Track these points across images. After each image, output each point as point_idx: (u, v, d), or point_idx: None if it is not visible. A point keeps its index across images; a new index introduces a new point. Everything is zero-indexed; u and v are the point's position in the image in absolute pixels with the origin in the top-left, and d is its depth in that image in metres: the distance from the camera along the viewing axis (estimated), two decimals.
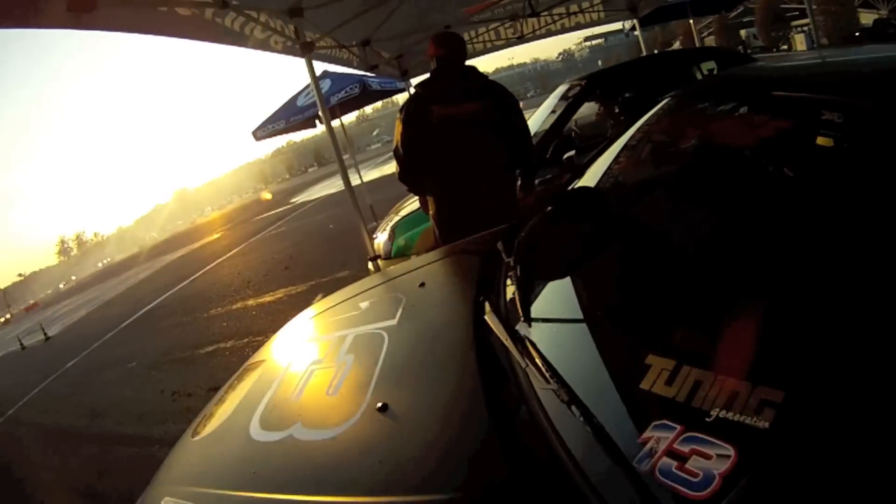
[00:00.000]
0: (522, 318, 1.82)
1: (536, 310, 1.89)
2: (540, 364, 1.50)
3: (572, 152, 4.05)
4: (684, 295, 1.54)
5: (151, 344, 10.19)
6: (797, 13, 62.27)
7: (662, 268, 1.75)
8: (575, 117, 6.14)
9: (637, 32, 10.52)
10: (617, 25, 14.27)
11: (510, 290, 2.08)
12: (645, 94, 6.09)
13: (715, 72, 6.23)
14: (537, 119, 6.50)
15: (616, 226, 2.26)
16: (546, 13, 8.50)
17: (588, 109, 6.38)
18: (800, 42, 56.17)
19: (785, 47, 56.91)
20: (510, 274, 2.18)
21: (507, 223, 3.37)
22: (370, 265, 5.49)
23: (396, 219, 5.77)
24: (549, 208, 2.67)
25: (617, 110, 6.27)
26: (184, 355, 8.33)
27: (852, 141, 1.54)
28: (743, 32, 62.39)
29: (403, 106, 4.28)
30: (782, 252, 1.47)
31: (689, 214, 2.06)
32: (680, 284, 1.59)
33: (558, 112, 6.02)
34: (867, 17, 53.13)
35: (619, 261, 2.03)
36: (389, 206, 7.88)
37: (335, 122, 12.06)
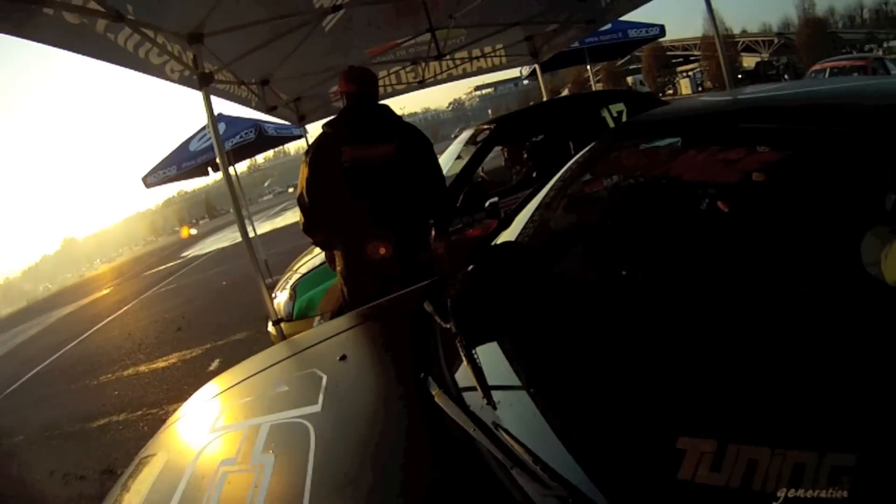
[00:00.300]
0: (486, 402, 1.50)
1: (500, 389, 1.59)
2: (529, 461, 1.24)
3: (495, 199, 3.71)
4: (690, 355, 1.42)
5: (39, 415, 9.27)
6: (682, 59, 66.10)
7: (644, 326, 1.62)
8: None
9: (538, 76, 10.59)
10: (510, 73, 14.34)
11: (461, 367, 1.73)
12: (556, 138, 5.97)
13: (624, 114, 6.17)
14: (443, 165, 6.13)
15: (553, 282, 2.19)
16: (449, 57, 8.27)
17: (494, 154, 6.08)
18: (685, 86, 59.66)
19: (671, 91, 60.09)
20: (454, 343, 1.84)
21: (424, 278, 3.14)
22: (271, 329, 4.96)
23: (297, 276, 5.35)
24: (474, 264, 2.56)
25: (526, 155, 6.14)
26: (74, 429, 7.61)
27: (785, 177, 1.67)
28: (630, 79, 65.79)
29: (310, 147, 3.93)
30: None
31: (637, 260, 2.03)
32: (677, 342, 1.49)
33: (465, 158, 5.80)
34: (749, 61, 56.96)
35: (591, 317, 1.83)
36: (284, 260, 7.55)
37: (210, 182, 11.65)
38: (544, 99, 10.53)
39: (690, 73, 64.33)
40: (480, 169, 6.07)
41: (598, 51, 12.61)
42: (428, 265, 3.93)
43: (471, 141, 6.26)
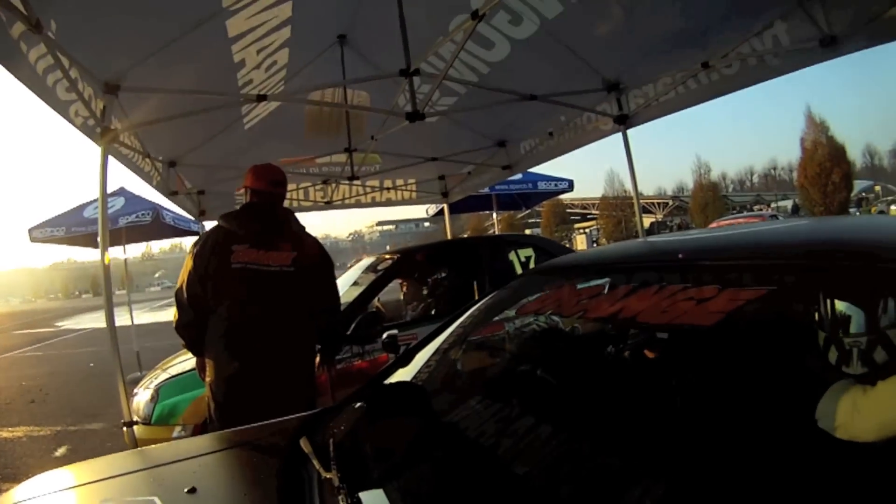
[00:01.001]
0: None
1: None
2: None
3: (395, 331, 3.45)
4: None
5: None
6: (580, 217, 69.26)
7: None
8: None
9: (446, 216, 10.66)
10: (412, 213, 14.46)
11: None
12: (460, 277, 5.87)
13: (532, 260, 6.16)
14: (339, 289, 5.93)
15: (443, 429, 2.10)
16: (360, 184, 8.24)
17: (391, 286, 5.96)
18: (581, 242, 62.05)
19: (567, 245, 62.40)
20: (334, 498, 1.60)
21: (302, 406, 3.01)
22: (125, 431, 4.40)
23: (164, 377, 4.84)
24: (366, 402, 2.28)
25: (427, 291, 6.01)
26: None
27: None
28: (527, 232, 67.87)
29: (199, 238, 3.67)
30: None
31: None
32: None
33: (362, 285, 5.60)
34: (645, 221, 60.01)
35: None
36: (158, 356, 6.84)
37: (117, 251, 10.93)
38: (447, 238, 10.61)
39: (587, 230, 67.22)
40: (377, 299, 5.93)
41: (506, 199, 12.84)
42: (309, 391, 3.68)
43: (370, 269, 6.15)
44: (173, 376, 4.76)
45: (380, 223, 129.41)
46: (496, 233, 17.38)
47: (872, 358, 1.35)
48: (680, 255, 2.05)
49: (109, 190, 4.61)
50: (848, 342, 1.38)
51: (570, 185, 13.09)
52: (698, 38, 4.79)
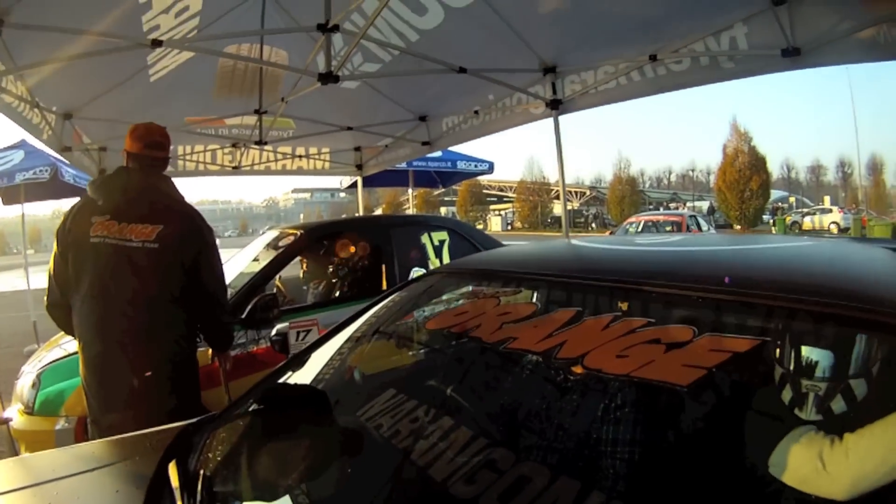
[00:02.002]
0: None
1: None
2: None
3: (285, 325, 3.15)
4: None
5: None
6: (496, 198, 69.69)
7: None
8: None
9: (358, 190, 10.36)
10: (328, 182, 14.04)
11: None
12: (368, 258, 5.59)
13: (446, 245, 5.92)
14: (235, 265, 5.58)
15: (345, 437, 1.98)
16: (271, 149, 7.84)
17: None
18: (495, 223, 62.56)
19: (481, 226, 62.84)
20: None
21: (177, 400, 3.03)
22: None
23: (48, 359, 4.32)
24: (251, 413, 2.14)
25: (331, 271, 5.65)
26: None
27: None
28: (443, 209, 68.13)
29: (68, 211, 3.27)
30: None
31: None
32: None
33: (262, 262, 5.24)
34: (560, 208, 61.15)
35: None
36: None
37: (15, 209, 10.15)
38: (359, 211, 10.31)
39: (502, 213, 67.75)
40: (277, 278, 5.61)
41: (423, 176, 12.57)
42: (186, 383, 3.27)
43: (272, 244, 5.68)
44: (57, 359, 4.27)
45: (295, 190, 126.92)
46: (411, 209, 17.10)
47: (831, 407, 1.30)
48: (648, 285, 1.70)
49: (9, 142, 4.13)
50: (806, 386, 1.33)
51: (491, 168, 12.96)
52: (648, 29, 4.68)
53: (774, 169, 46.76)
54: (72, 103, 5.91)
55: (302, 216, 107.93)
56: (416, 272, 5.48)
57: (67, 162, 8.65)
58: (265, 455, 1.85)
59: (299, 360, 2.55)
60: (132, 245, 3.06)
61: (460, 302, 2.37)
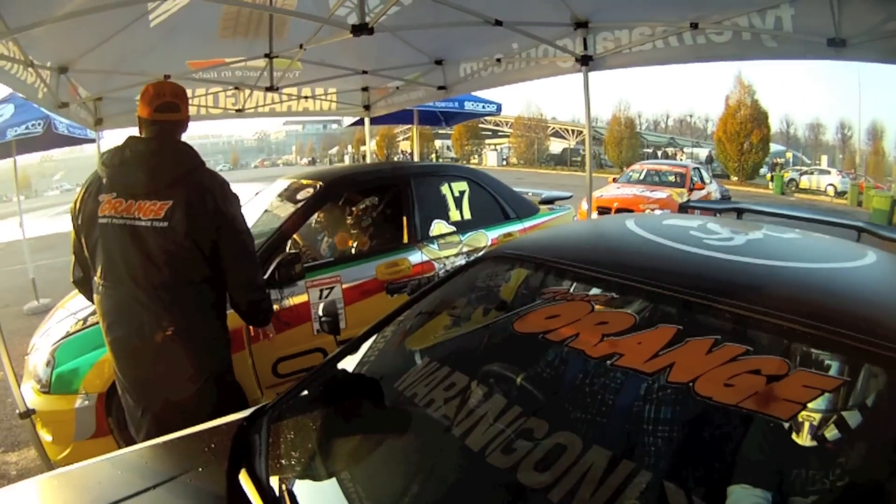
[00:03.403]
0: None
1: None
2: None
3: (334, 305, 2.95)
4: None
5: None
6: (491, 133, 69.10)
7: None
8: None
9: (367, 132, 9.98)
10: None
11: None
12: (389, 209, 5.37)
13: (466, 195, 5.70)
14: (248, 219, 5.17)
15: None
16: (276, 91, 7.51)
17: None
18: (491, 158, 62.24)
19: (476, 161, 62.47)
20: None
21: (204, 387, 2.91)
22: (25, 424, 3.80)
23: (60, 331, 4.07)
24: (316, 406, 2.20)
25: (351, 223, 5.43)
26: None
27: None
28: (438, 143, 67.48)
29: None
30: None
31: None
32: None
33: (278, 214, 4.99)
34: (557, 146, 61.07)
35: None
36: (58, 277, 5.77)
37: (5, 161, 9.85)
38: (366, 151, 10.07)
39: (498, 148, 67.24)
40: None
41: (428, 115, 12.20)
42: (212, 367, 3.03)
43: (286, 196, 5.34)
44: (71, 333, 4.02)
45: (286, 122, 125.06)
46: (411, 146, 16.80)
47: None
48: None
49: None
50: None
51: (499, 109, 12.71)
52: None
53: (773, 123, 46.27)
54: (67, 56, 5.53)
55: (294, 148, 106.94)
56: (437, 224, 5.38)
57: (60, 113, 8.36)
58: (341, 453, 1.96)
59: (356, 346, 2.45)
60: (141, 224, 2.79)
61: (540, 301, 2.17)
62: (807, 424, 1.50)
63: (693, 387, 1.52)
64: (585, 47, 5.54)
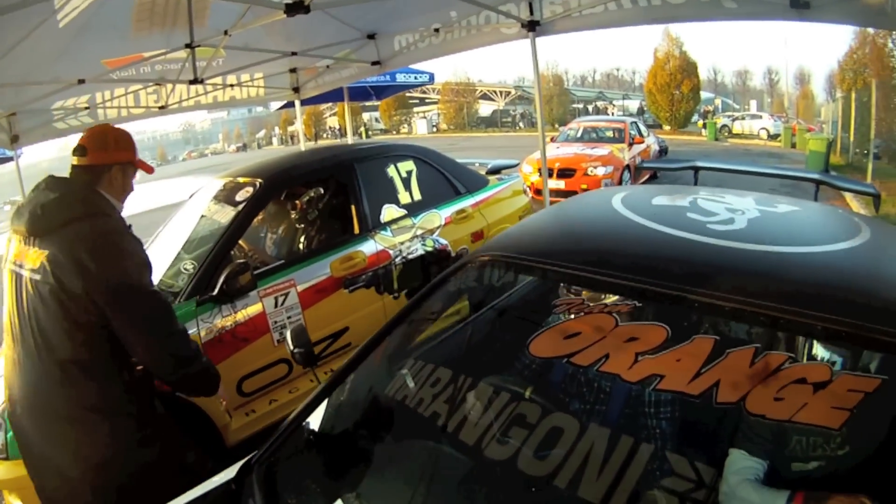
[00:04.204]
0: None
1: None
2: None
3: (302, 333, 2.63)
4: None
5: None
6: (418, 101, 68.75)
7: None
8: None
9: (298, 115, 9.80)
10: None
11: None
12: (335, 198, 5.08)
13: (414, 175, 5.50)
14: (183, 228, 4.87)
15: None
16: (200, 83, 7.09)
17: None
18: (420, 126, 62.11)
19: (406, 130, 62.26)
20: None
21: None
22: None
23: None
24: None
25: (296, 218, 5.13)
26: None
27: None
28: (365, 116, 66.97)
29: None
30: None
31: None
32: None
33: (217, 219, 4.59)
34: (486, 108, 61.35)
35: None
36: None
37: None
38: (297, 133, 9.79)
39: (426, 115, 67.04)
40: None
41: (358, 91, 11.98)
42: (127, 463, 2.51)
43: (223, 197, 4.87)
44: None
45: (210, 110, 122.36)
46: (339, 122, 16.42)
47: None
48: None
49: None
50: None
51: (431, 78, 12.51)
52: None
53: (702, 72, 47.23)
54: None
55: (221, 136, 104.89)
56: (388, 209, 5.15)
57: None
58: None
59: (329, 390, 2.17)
60: (22, 274, 2.45)
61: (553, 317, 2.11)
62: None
63: (744, 405, 1.48)
64: (532, 12, 5.36)
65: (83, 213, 2.45)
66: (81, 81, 5.44)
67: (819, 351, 1.81)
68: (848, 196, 11.57)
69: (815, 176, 2.93)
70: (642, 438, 1.78)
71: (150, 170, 2.94)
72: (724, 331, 1.84)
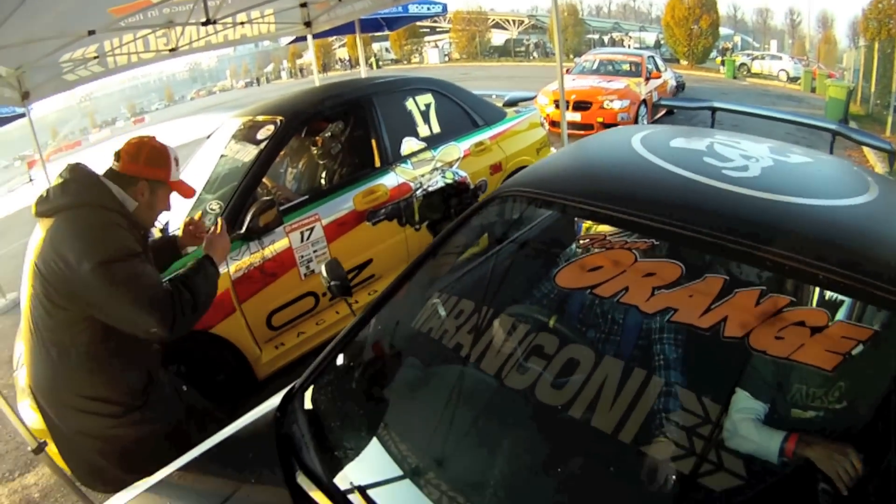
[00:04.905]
0: None
1: None
2: None
3: (338, 265, 2.72)
4: None
5: None
6: (429, 30, 67.71)
7: None
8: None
9: (311, 50, 9.99)
10: None
11: None
12: (355, 132, 5.13)
13: (433, 108, 5.60)
14: (204, 166, 4.98)
15: None
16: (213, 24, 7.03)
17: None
18: (432, 56, 61.28)
19: (417, 60, 61.49)
20: None
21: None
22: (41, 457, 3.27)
23: None
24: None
25: (319, 153, 5.21)
26: None
27: None
28: (375, 46, 66.03)
29: None
30: None
31: None
32: None
33: (243, 160, 4.63)
34: (499, 38, 60.33)
35: None
36: (14, 266, 5.29)
37: None
38: (313, 69, 9.81)
39: (437, 44, 66.10)
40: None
41: (370, 22, 11.81)
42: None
43: (244, 137, 4.96)
44: None
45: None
46: (349, 52, 16.27)
47: None
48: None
49: None
50: None
51: (444, 9, 12.34)
52: None
53: (721, 7, 45.70)
54: None
55: (228, 72, 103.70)
56: (407, 143, 5.28)
57: None
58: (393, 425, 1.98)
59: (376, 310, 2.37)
60: (30, 256, 2.52)
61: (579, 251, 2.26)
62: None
63: (748, 341, 1.60)
64: None
65: (78, 202, 2.48)
66: (92, 33, 5.44)
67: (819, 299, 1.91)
68: (866, 148, 11.42)
69: (833, 126, 2.97)
70: (653, 372, 1.92)
71: (188, 193, 2.86)
72: (735, 272, 1.94)
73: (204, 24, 6.42)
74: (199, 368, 3.91)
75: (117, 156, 2.65)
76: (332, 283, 2.62)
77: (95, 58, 7.05)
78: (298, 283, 4.45)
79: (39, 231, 2.49)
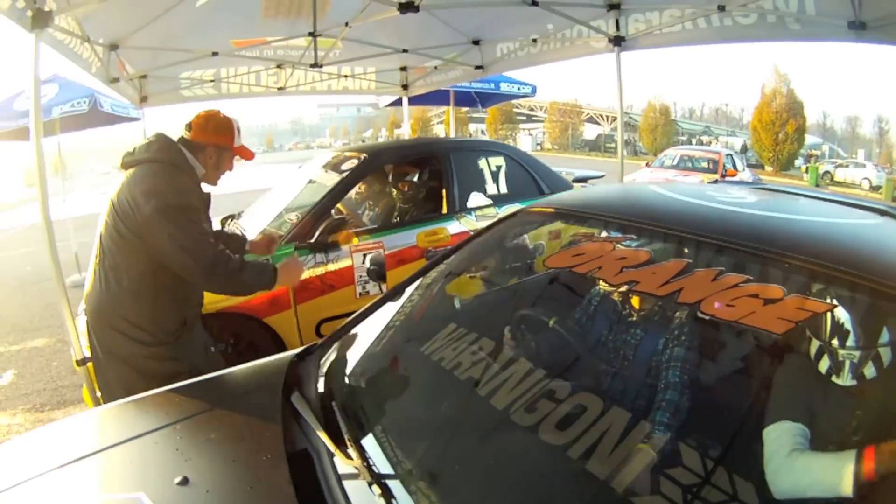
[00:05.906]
0: None
1: None
2: None
3: (380, 252, 3.12)
4: None
5: None
6: (525, 118, 68.77)
7: None
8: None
9: (405, 110, 10.48)
10: (355, 96, 13.73)
11: None
12: (429, 181, 5.60)
13: (503, 171, 5.92)
14: (292, 188, 5.67)
15: None
16: (317, 70, 7.71)
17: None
18: (524, 143, 62.04)
19: (510, 144, 62.13)
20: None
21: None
22: (77, 368, 3.96)
23: None
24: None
25: (394, 193, 5.72)
26: None
27: None
28: (472, 127, 67.24)
29: None
30: None
31: None
32: None
33: (326, 184, 5.19)
34: (591, 132, 60.59)
35: None
36: None
37: (51, 140, 9.96)
38: (404, 133, 10.28)
39: (532, 133, 66.93)
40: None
41: (464, 96, 12.16)
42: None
43: (330, 167, 5.58)
44: None
45: (320, 106, 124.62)
46: (445, 129, 17.01)
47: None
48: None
49: (42, 76, 4.07)
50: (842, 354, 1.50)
51: (534, 91, 12.70)
52: None
53: (810, 115, 44.95)
54: (118, 34, 5.85)
55: (328, 131, 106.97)
56: (475, 197, 5.60)
57: (104, 92, 8.61)
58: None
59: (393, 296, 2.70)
60: (110, 199, 2.92)
61: (568, 243, 2.43)
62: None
63: (700, 306, 1.68)
64: (618, 28, 5.75)
65: (156, 158, 2.94)
66: (215, 54, 6.14)
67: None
68: None
69: (882, 207, 2.59)
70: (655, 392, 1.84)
71: (249, 156, 3.36)
72: (700, 261, 1.93)
73: (312, 66, 7.08)
74: (244, 350, 4.32)
75: (188, 126, 3.13)
76: (372, 267, 2.98)
77: (211, 81, 7.84)
78: (353, 299, 4.74)
79: (121, 178, 2.94)
